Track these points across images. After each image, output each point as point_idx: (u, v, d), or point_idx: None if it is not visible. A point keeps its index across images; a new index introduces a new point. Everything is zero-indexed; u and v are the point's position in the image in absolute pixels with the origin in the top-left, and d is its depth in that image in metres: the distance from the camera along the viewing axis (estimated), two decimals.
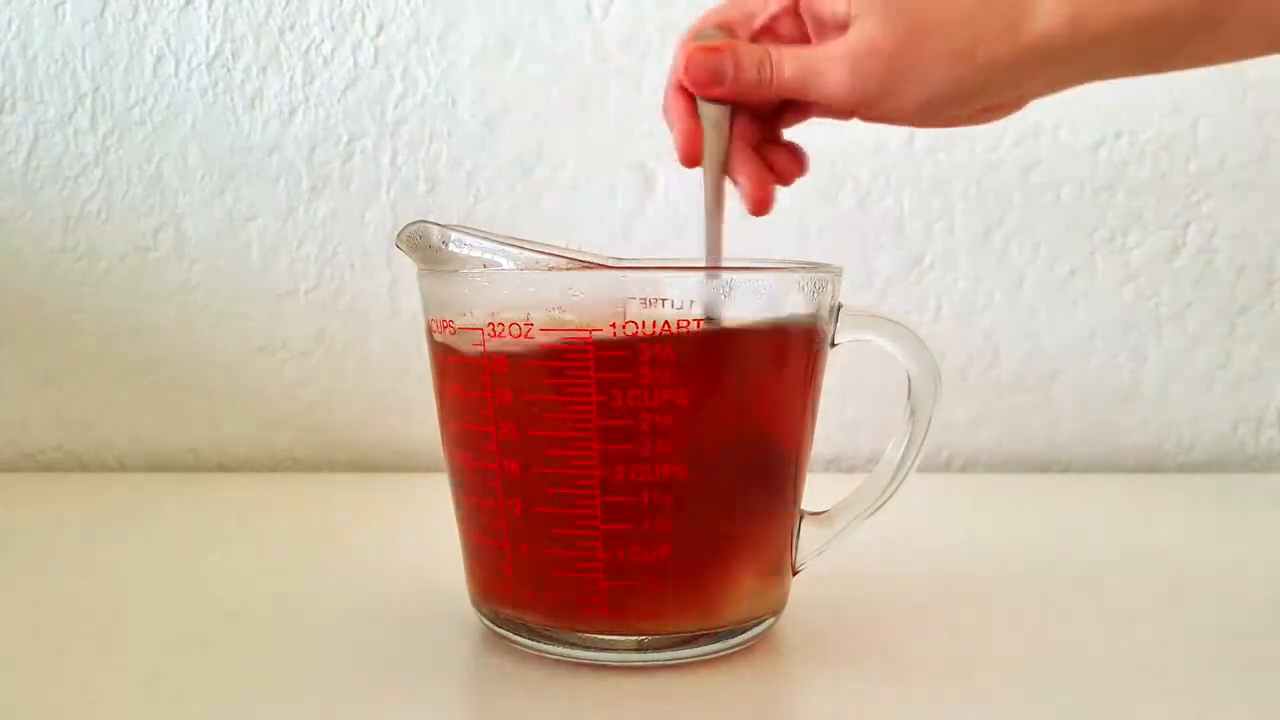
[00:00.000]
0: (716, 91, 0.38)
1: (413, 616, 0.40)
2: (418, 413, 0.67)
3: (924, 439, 0.39)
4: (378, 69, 0.67)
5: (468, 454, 0.36)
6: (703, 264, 0.38)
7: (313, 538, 0.53)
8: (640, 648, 0.35)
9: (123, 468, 0.69)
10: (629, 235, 0.67)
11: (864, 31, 0.36)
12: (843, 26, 0.37)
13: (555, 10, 0.67)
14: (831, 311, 0.37)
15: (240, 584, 0.45)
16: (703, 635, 0.36)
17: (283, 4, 0.66)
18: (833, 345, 0.38)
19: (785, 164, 0.41)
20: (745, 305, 0.35)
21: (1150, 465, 0.71)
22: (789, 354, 0.36)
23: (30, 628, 0.40)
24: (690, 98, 0.39)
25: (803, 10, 0.38)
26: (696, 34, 0.39)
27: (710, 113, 0.39)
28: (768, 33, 0.39)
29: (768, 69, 0.38)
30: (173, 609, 0.42)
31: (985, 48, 0.36)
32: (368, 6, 0.66)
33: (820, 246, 0.67)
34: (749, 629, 0.37)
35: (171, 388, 0.68)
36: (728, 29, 0.39)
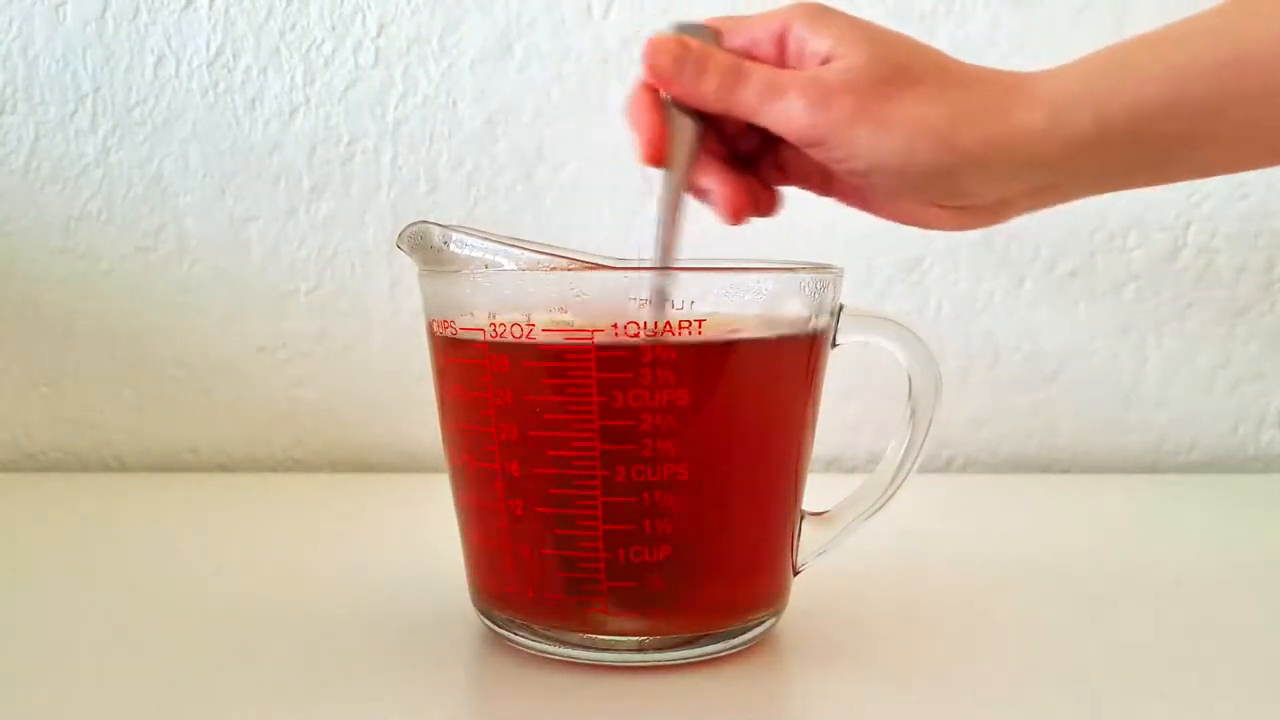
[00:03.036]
0: (673, 87, 0.37)
1: (413, 616, 0.40)
2: (418, 413, 0.67)
3: (924, 439, 0.39)
4: (378, 69, 0.67)
5: (469, 454, 0.36)
6: (705, 266, 0.38)
7: (313, 538, 0.53)
8: (641, 648, 0.35)
9: (123, 468, 0.69)
10: (629, 235, 0.67)
11: (844, 69, 0.35)
12: (825, 62, 0.36)
13: (555, 10, 0.67)
14: (833, 312, 0.37)
15: (240, 584, 0.45)
16: (703, 636, 0.36)
17: (283, 5, 0.66)
18: (834, 345, 0.38)
19: (759, 197, 0.40)
20: (748, 306, 0.35)
21: (1150, 465, 0.71)
22: (790, 355, 0.36)
23: (30, 628, 0.40)
24: (659, 98, 0.38)
25: (789, 42, 0.37)
26: (679, 25, 0.38)
27: (678, 117, 0.38)
28: (748, 52, 0.38)
29: (730, 80, 0.36)
30: (173, 609, 0.42)
31: (961, 126, 0.34)
32: (368, 7, 0.66)
33: (821, 247, 0.67)
34: (749, 629, 0.37)
35: (171, 388, 0.68)
36: (714, 33, 0.38)
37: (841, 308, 0.38)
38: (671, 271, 0.36)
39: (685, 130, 0.38)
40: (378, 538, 0.53)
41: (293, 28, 0.66)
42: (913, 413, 0.39)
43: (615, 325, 0.33)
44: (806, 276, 0.36)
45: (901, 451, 0.39)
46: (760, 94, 0.36)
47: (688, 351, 0.33)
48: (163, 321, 0.68)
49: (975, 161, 0.35)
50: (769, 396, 0.36)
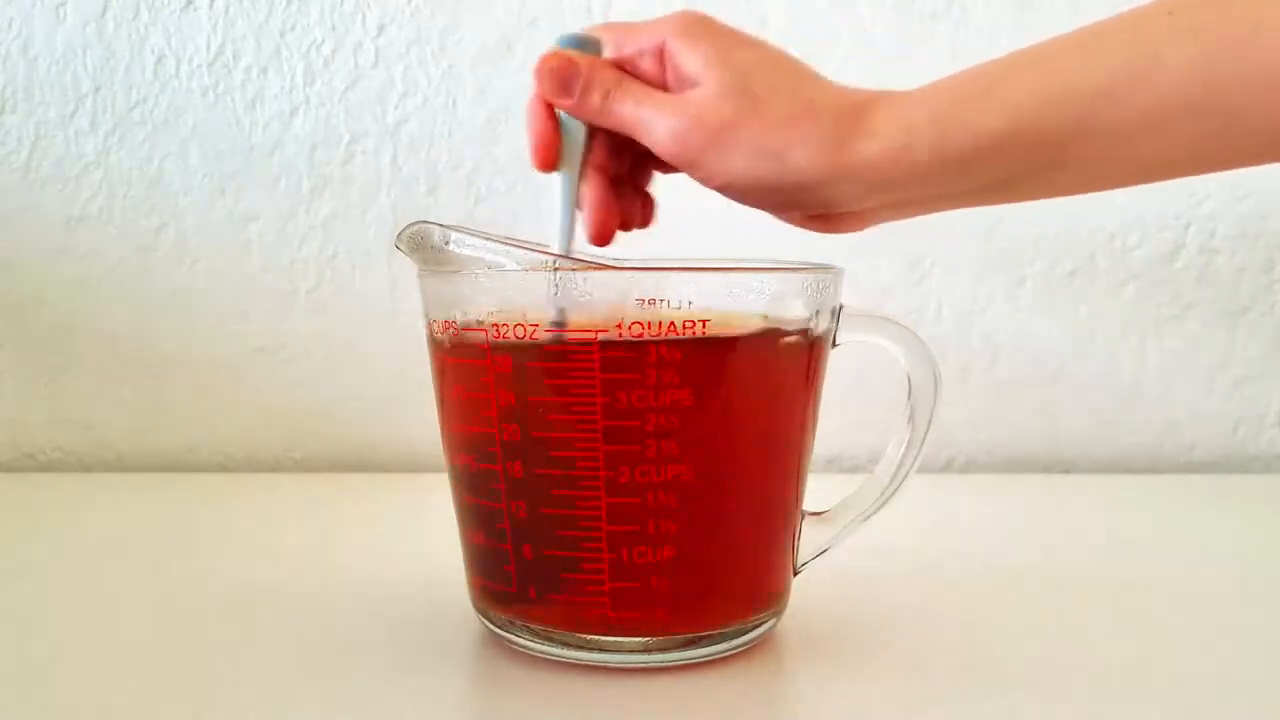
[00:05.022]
0: (561, 104, 0.39)
1: (413, 617, 0.40)
2: (418, 413, 0.66)
3: (924, 439, 0.39)
4: (378, 70, 0.67)
5: (470, 455, 0.36)
6: (707, 266, 0.38)
7: (313, 538, 0.53)
8: (645, 649, 0.35)
9: (123, 468, 0.68)
10: (630, 236, 0.67)
11: (699, 101, 0.37)
12: (693, 84, 0.38)
13: (555, 10, 0.67)
14: (833, 312, 0.37)
15: (240, 584, 0.45)
16: (706, 636, 0.36)
17: (283, 5, 0.66)
18: (834, 346, 0.38)
19: (633, 210, 0.42)
20: (749, 306, 0.35)
21: (1151, 466, 0.71)
22: (791, 355, 0.36)
23: (30, 628, 0.40)
24: (552, 107, 0.40)
25: (666, 57, 0.39)
26: (567, 38, 0.40)
27: (568, 124, 0.40)
28: (632, 65, 0.39)
29: (611, 99, 0.38)
30: (173, 609, 0.42)
31: (798, 154, 0.36)
32: (368, 7, 0.66)
33: (821, 247, 0.67)
34: (751, 630, 0.37)
35: (171, 388, 0.68)
36: (600, 43, 0.40)
37: (841, 308, 0.38)
38: (683, 272, 0.36)
39: (576, 136, 0.40)
40: (378, 538, 0.53)
41: (293, 28, 0.66)
42: (912, 413, 0.39)
43: (619, 325, 0.33)
44: (808, 276, 0.36)
45: (901, 451, 0.39)
46: (633, 111, 0.38)
47: (691, 352, 0.33)
48: (163, 321, 0.68)
49: (820, 183, 0.37)
50: (770, 396, 0.36)
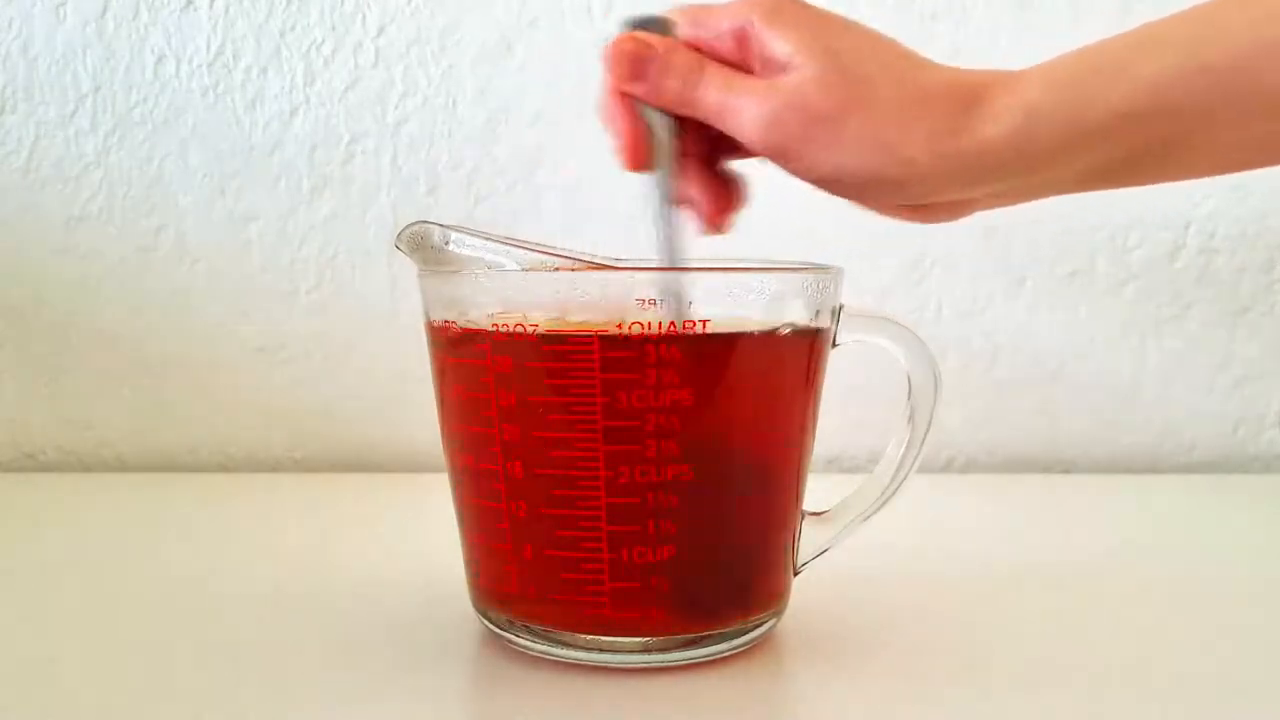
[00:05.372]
0: (635, 88, 0.36)
1: (413, 616, 0.40)
2: (418, 413, 0.66)
3: (924, 439, 0.39)
4: (378, 70, 0.66)
5: (470, 455, 0.36)
6: (707, 266, 0.38)
7: (313, 538, 0.53)
8: (645, 649, 0.35)
9: (123, 468, 0.68)
10: (630, 236, 0.67)
11: (796, 84, 0.34)
12: (783, 69, 0.35)
13: (555, 10, 0.66)
14: (833, 312, 0.37)
15: (240, 584, 0.45)
16: (706, 636, 0.36)
17: (283, 5, 0.66)
18: (834, 346, 0.38)
19: (728, 192, 0.39)
20: (749, 306, 0.35)
21: (1150, 466, 0.71)
22: (791, 355, 0.36)
23: (30, 628, 0.40)
24: (632, 100, 0.37)
25: (750, 40, 0.36)
26: (636, 20, 0.38)
27: (654, 117, 0.37)
28: (709, 48, 0.37)
29: (693, 83, 0.36)
30: (172, 609, 0.42)
31: (911, 145, 0.34)
32: (368, 7, 0.66)
33: (821, 247, 0.67)
34: (751, 630, 0.37)
35: (171, 388, 0.68)
36: (674, 24, 0.37)
37: (841, 308, 0.38)
38: (685, 272, 0.35)
39: (663, 130, 0.37)
40: (378, 538, 0.53)
41: (293, 28, 0.66)
42: (912, 413, 0.39)
43: (619, 325, 0.33)
44: (808, 277, 0.36)
45: (901, 451, 0.39)
46: (718, 98, 0.36)
47: (691, 351, 0.33)
48: (163, 321, 0.68)
49: (932, 174, 0.35)
50: (771, 396, 0.36)
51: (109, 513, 0.59)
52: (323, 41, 0.66)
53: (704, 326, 0.33)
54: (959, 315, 0.70)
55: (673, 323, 0.33)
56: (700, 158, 0.39)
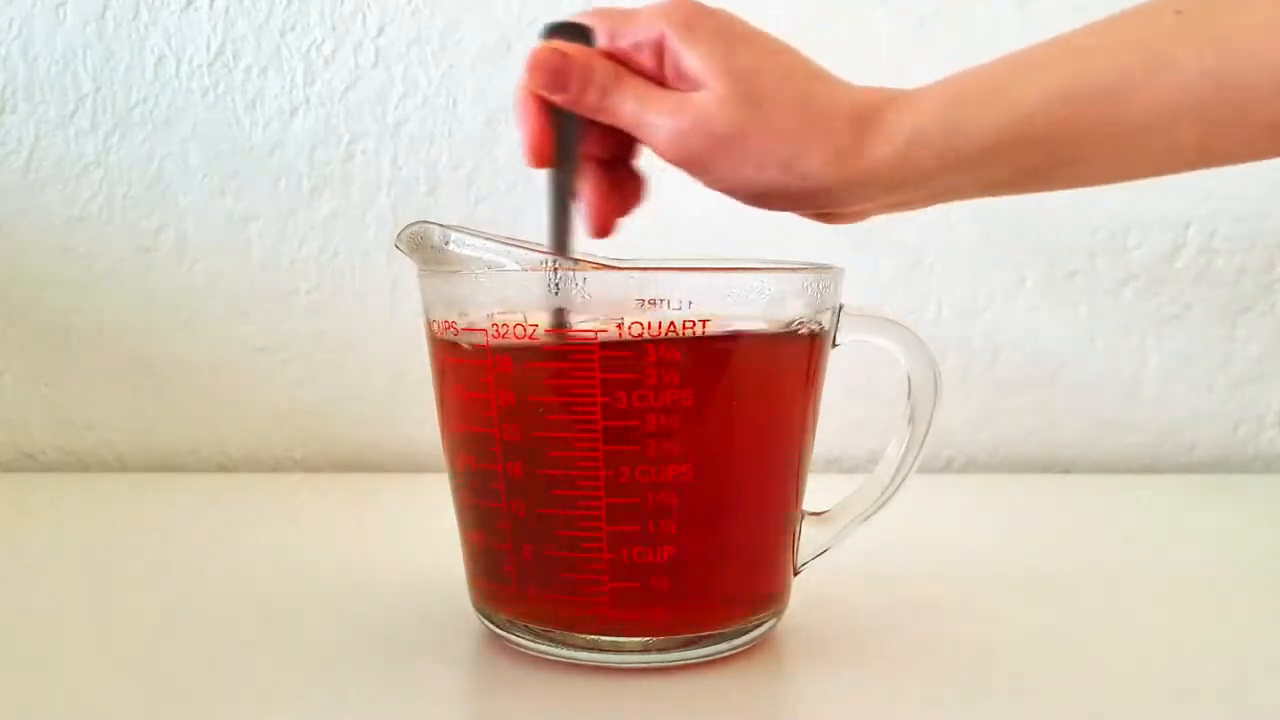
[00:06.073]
0: (555, 98, 0.38)
1: (413, 616, 0.40)
2: (418, 413, 0.67)
3: (924, 439, 0.39)
4: (378, 70, 0.67)
5: (470, 455, 0.36)
6: (707, 266, 0.38)
7: (313, 538, 0.53)
8: (645, 649, 0.35)
9: (123, 468, 0.68)
10: (630, 236, 0.67)
11: (703, 104, 0.36)
12: (693, 84, 0.36)
13: (555, 10, 0.66)
14: (833, 312, 0.37)
15: (240, 584, 0.45)
16: (706, 636, 0.36)
17: (284, 5, 0.66)
18: (834, 346, 0.38)
19: (629, 193, 0.41)
20: (749, 306, 0.35)
21: (1150, 465, 0.71)
22: (792, 354, 0.36)
23: (30, 628, 0.40)
24: (545, 101, 0.38)
25: (665, 49, 0.37)
26: (556, 26, 0.38)
27: (562, 119, 0.38)
28: (626, 57, 0.38)
29: (610, 96, 0.37)
30: (173, 609, 0.42)
31: (808, 163, 0.36)
32: (368, 7, 0.66)
33: (821, 247, 0.67)
34: (751, 630, 0.37)
35: (171, 388, 0.68)
36: (592, 31, 0.38)
37: (841, 308, 0.38)
38: (685, 272, 0.35)
39: (570, 131, 0.39)
40: (378, 538, 0.53)
41: (293, 28, 0.66)
42: (912, 413, 0.39)
43: (619, 325, 0.33)
44: (808, 276, 0.36)
45: (901, 451, 0.39)
46: (633, 110, 0.37)
47: (691, 352, 0.33)
48: (163, 321, 0.68)
49: (828, 189, 0.36)
50: (771, 396, 0.36)
51: (109, 513, 0.59)
52: (323, 41, 0.66)
53: (704, 327, 0.33)
54: (959, 315, 0.70)
55: (673, 322, 0.33)
56: (597, 160, 0.40)
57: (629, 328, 0.33)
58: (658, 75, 0.38)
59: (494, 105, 0.67)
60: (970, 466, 0.71)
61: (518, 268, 0.37)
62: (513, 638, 0.37)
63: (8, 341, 0.68)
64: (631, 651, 0.35)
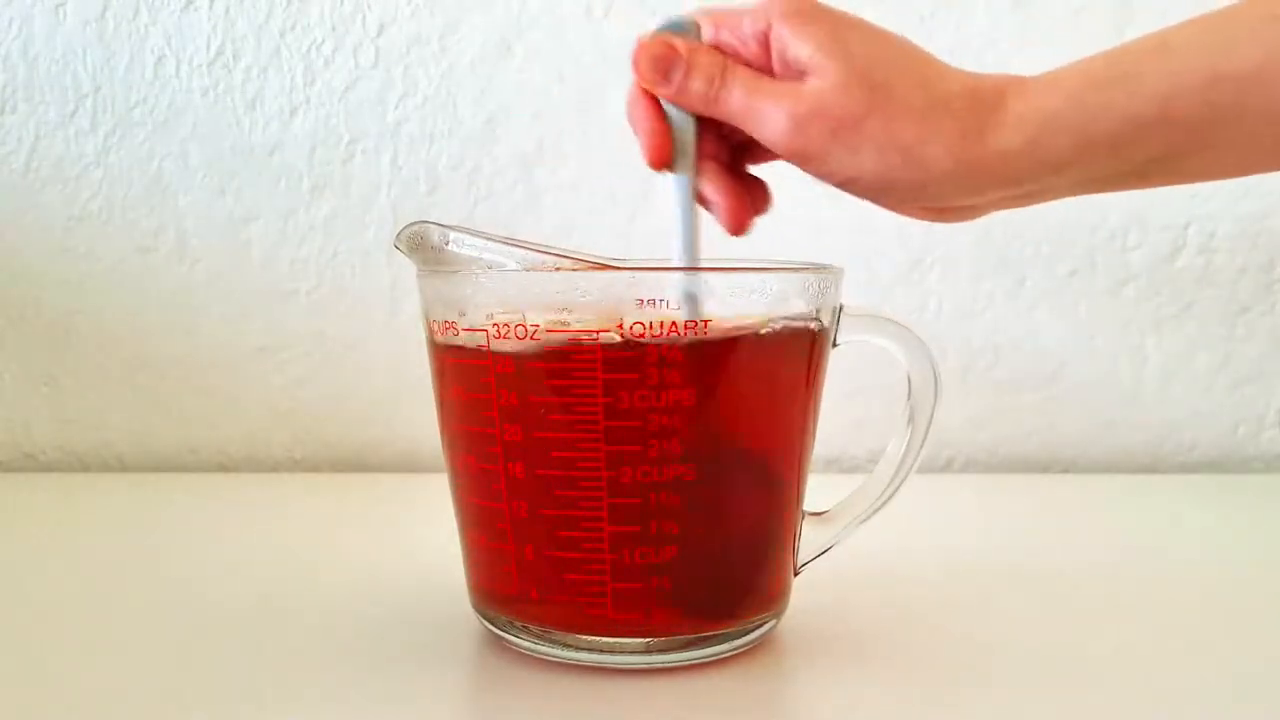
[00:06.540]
0: (661, 90, 0.37)
1: (413, 617, 0.40)
2: (418, 413, 0.67)
3: (924, 439, 0.39)
4: (378, 70, 0.66)
5: (470, 456, 0.36)
6: (709, 265, 0.38)
7: (313, 538, 0.53)
8: (646, 650, 0.35)
9: (123, 467, 0.68)
10: (630, 235, 0.67)
11: (817, 90, 0.35)
12: (804, 72, 0.36)
13: (555, 10, 0.66)
14: (833, 312, 0.37)
15: (240, 584, 0.45)
16: (707, 637, 0.36)
17: (284, 5, 0.66)
18: (834, 346, 0.38)
19: (754, 191, 0.40)
20: (749, 306, 0.35)
21: (1150, 465, 0.71)
22: (792, 355, 0.36)
23: (30, 628, 0.40)
24: (657, 100, 0.38)
25: (772, 41, 0.36)
26: (667, 22, 0.38)
27: (676, 117, 0.38)
28: (733, 51, 0.37)
29: (716, 86, 0.36)
30: (173, 609, 0.42)
31: (930, 150, 0.35)
32: (368, 7, 0.66)
33: (821, 247, 0.67)
34: (751, 630, 0.37)
35: (171, 388, 0.68)
36: (698, 26, 0.38)
37: (842, 308, 0.38)
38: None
39: (686, 130, 0.38)
40: (378, 538, 0.53)
41: (293, 28, 0.66)
42: (912, 413, 0.39)
43: (620, 326, 0.33)
44: (808, 276, 0.36)
45: (901, 451, 0.39)
46: (742, 101, 0.36)
47: (693, 352, 0.33)
48: (163, 321, 0.68)
49: (950, 179, 0.35)
50: (771, 396, 0.36)
51: (109, 513, 0.59)
52: (323, 41, 0.66)
53: (705, 327, 0.33)
54: (959, 315, 0.70)
55: (674, 322, 0.33)
56: (720, 161, 0.39)
57: (630, 328, 0.33)
58: (765, 68, 0.37)
59: (494, 105, 0.67)
60: (970, 466, 0.71)
61: (518, 268, 0.37)
62: (513, 639, 0.37)
63: (8, 341, 0.68)
64: (632, 653, 0.35)
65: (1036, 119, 0.34)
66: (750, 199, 0.40)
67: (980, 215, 0.39)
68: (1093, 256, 0.69)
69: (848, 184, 0.36)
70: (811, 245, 0.67)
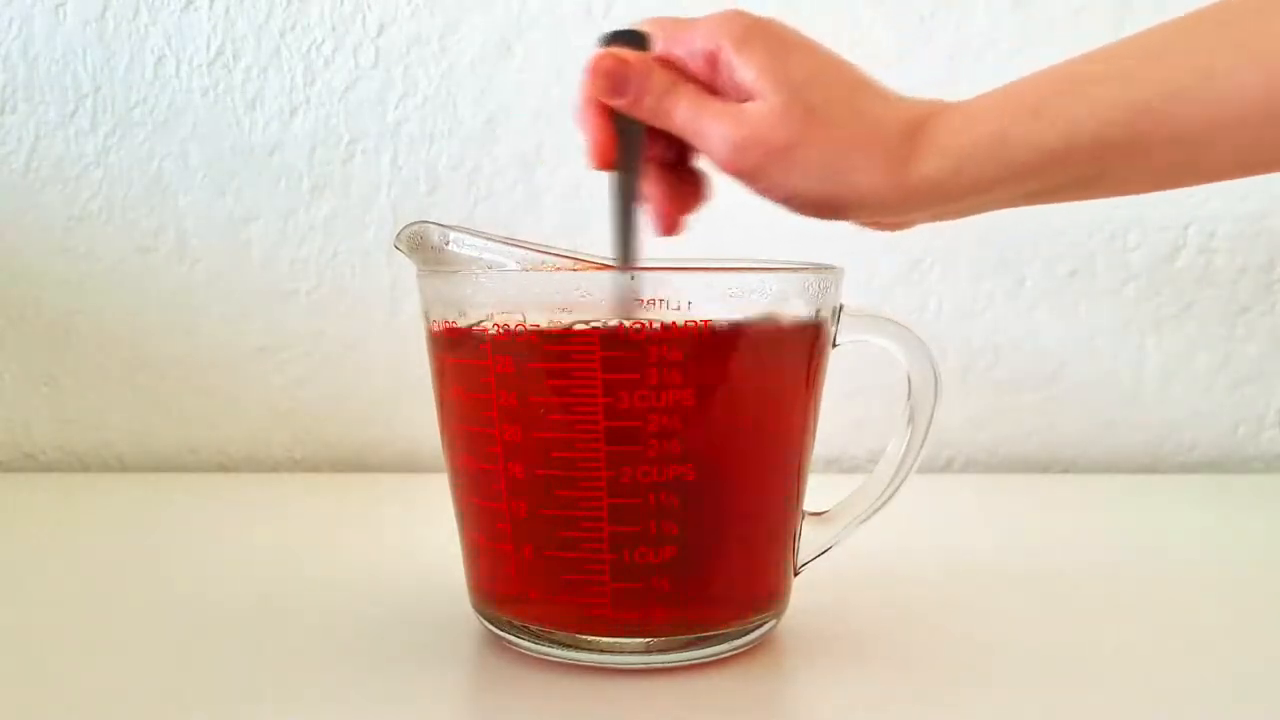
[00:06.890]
0: (614, 103, 0.38)
1: (413, 617, 0.40)
2: (418, 413, 0.67)
3: (924, 439, 0.39)
4: (378, 69, 0.67)
5: (470, 456, 0.36)
6: (707, 266, 0.38)
7: (313, 538, 0.53)
8: (646, 650, 0.35)
9: (123, 467, 0.68)
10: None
11: (759, 114, 0.36)
12: (748, 95, 0.37)
13: (555, 10, 0.67)
14: (833, 312, 0.37)
15: (240, 584, 0.45)
16: (706, 637, 0.36)
17: (284, 5, 0.66)
18: (834, 346, 0.38)
19: (691, 191, 0.41)
20: (749, 306, 0.35)
21: (1150, 465, 0.71)
22: (792, 355, 0.36)
23: (30, 628, 0.40)
24: (607, 108, 0.39)
25: (720, 62, 0.38)
26: (615, 34, 0.39)
27: (627, 124, 0.39)
28: (682, 66, 0.38)
29: (667, 102, 0.38)
30: (173, 609, 0.42)
31: (861, 174, 0.36)
32: (368, 7, 0.66)
33: (821, 247, 0.67)
34: (751, 630, 0.37)
35: (171, 388, 0.68)
36: (650, 39, 0.39)
37: (842, 308, 0.38)
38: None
39: (633, 137, 0.39)
40: (378, 538, 0.53)
41: (293, 28, 0.66)
42: (912, 413, 0.39)
43: (620, 325, 0.33)
44: (808, 276, 0.36)
45: (901, 451, 0.39)
46: (689, 118, 0.38)
47: (693, 351, 0.33)
48: (163, 321, 0.68)
49: (878, 201, 0.37)
50: (772, 396, 0.36)
51: (109, 513, 0.59)
52: (323, 41, 0.66)
53: (705, 327, 0.33)
54: (959, 315, 0.70)
55: (674, 322, 0.33)
56: (661, 160, 0.40)
57: (630, 327, 0.33)
58: (712, 85, 0.38)
59: (494, 105, 0.67)
60: (970, 466, 0.71)
61: (518, 268, 0.37)
62: (513, 639, 0.37)
63: (8, 341, 0.68)
64: (632, 653, 0.35)
65: (958, 151, 0.36)
66: (684, 199, 0.41)
67: (912, 226, 0.41)
68: (1093, 256, 0.69)
69: (785, 202, 0.38)
70: (811, 245, 0.67)
